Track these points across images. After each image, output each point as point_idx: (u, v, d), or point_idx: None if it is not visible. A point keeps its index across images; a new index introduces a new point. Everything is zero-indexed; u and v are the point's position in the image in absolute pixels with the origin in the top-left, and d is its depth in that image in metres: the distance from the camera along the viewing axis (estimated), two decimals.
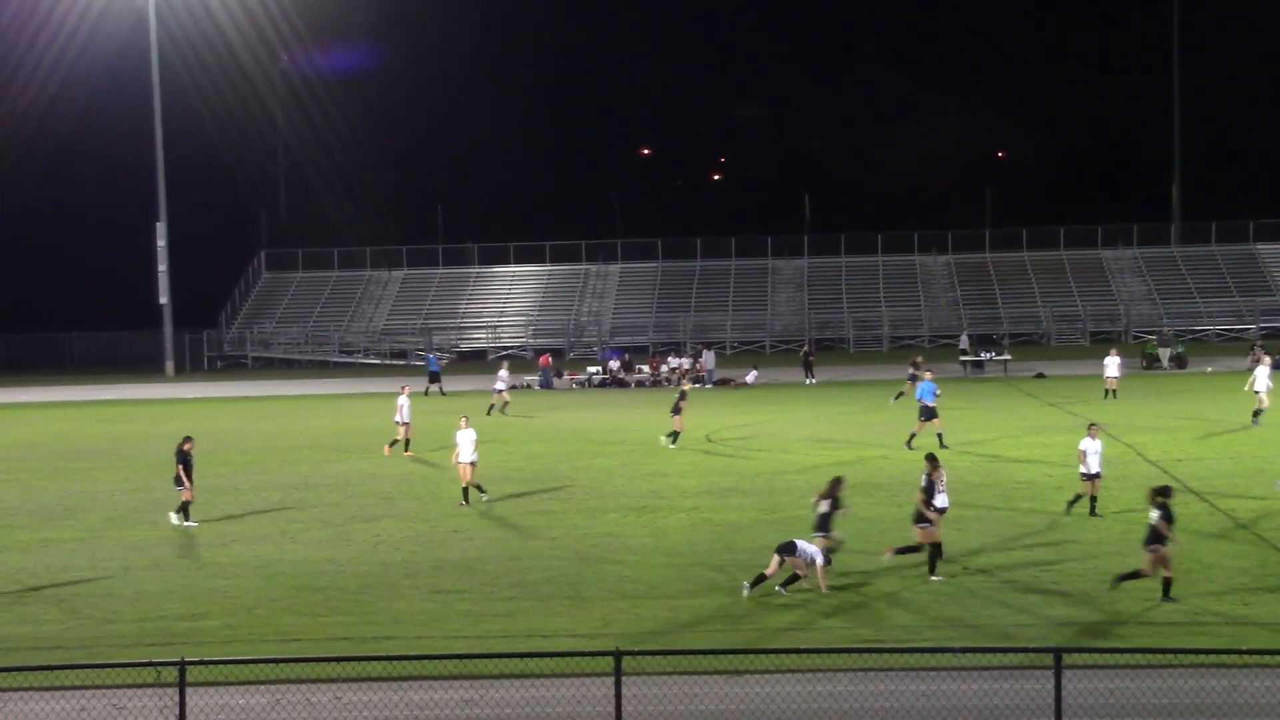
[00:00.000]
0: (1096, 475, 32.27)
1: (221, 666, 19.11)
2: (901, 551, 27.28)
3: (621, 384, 79.05)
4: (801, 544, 25.57)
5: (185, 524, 34.20)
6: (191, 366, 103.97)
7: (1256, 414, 49.10)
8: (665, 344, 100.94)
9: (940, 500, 28.15)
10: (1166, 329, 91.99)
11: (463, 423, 37.09)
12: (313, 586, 27.21)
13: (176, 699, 16.46)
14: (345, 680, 20.25)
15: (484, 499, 36.72)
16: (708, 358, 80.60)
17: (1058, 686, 16.13)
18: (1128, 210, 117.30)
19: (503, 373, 64.72)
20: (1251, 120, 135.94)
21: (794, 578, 25.48)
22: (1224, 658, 19.56)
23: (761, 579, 25.36)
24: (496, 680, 20.29)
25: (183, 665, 16.48)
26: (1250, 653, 19.44)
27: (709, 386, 76.90)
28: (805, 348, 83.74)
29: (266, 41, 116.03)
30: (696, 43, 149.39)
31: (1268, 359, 56.45)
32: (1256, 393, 49.92)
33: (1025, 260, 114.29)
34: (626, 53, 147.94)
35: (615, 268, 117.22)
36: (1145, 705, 18.54)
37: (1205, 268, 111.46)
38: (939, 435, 44.68)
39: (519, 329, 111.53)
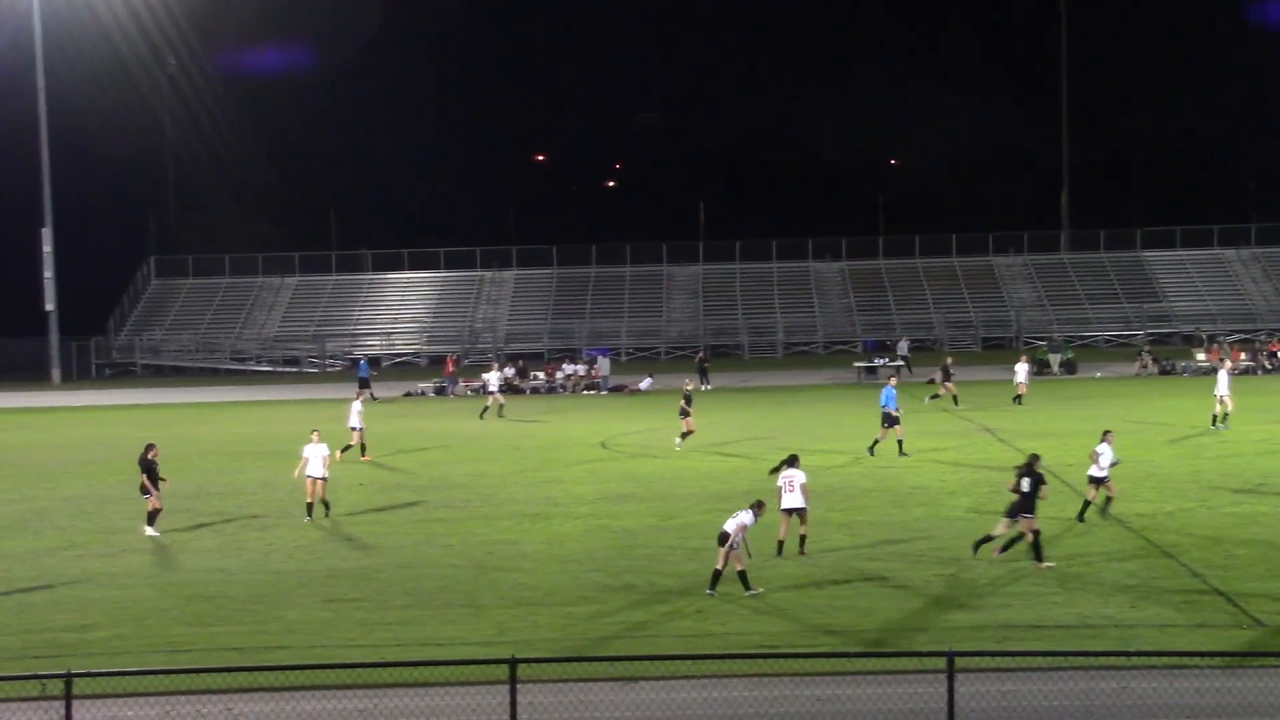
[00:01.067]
0: (1104, 479, 32.46)
1: (109, 678, 18.79)
2: (1005, 549, 28.01)
3: (517, 391, 78.80)
4: (730, 523, 25.62)
5: (150, 533, 33.44)
6: (79, 374, 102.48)
7: (1223, 418, 49.68)
8: (560, 350, 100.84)
9: (791, 499, 28.78)
10: (1057, 335, 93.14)
11: (314, 437, 35.75)
12: (203, 596, 26.86)
13: (63, 712, 16.18)
14: (236, 691, 19.96)
15: (326, 515, 35.32)
16: (603, 364, 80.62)
17: (950, 690, 16.22)
18: (1018, 218, 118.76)
19: (493, 374, 65.25)
20: (1139, 131, 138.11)
21: (719, 574, 25.60)
22: (1113, 660, 19.77)
23: (719, 575, 25.63)
24: (390, 689, 20.09)
25: (69, 677, 16.20)
26: (1138, 654, 19.66)
27: (604, 393, 76.95)
28: (700, 354, 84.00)
29: (154, 46, 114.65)
30: (592, 48, 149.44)
31: (1227, 363, 57.53)
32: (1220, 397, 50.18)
33: (918, 267, 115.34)
34: (521, 58, 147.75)
35: (510, 274, 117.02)
36: (1036, 707, 18.70)
37: (1094, 275, 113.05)
38: (896, 443, 44.55)
39: (414, 335, 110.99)
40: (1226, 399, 49.78)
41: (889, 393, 45.52)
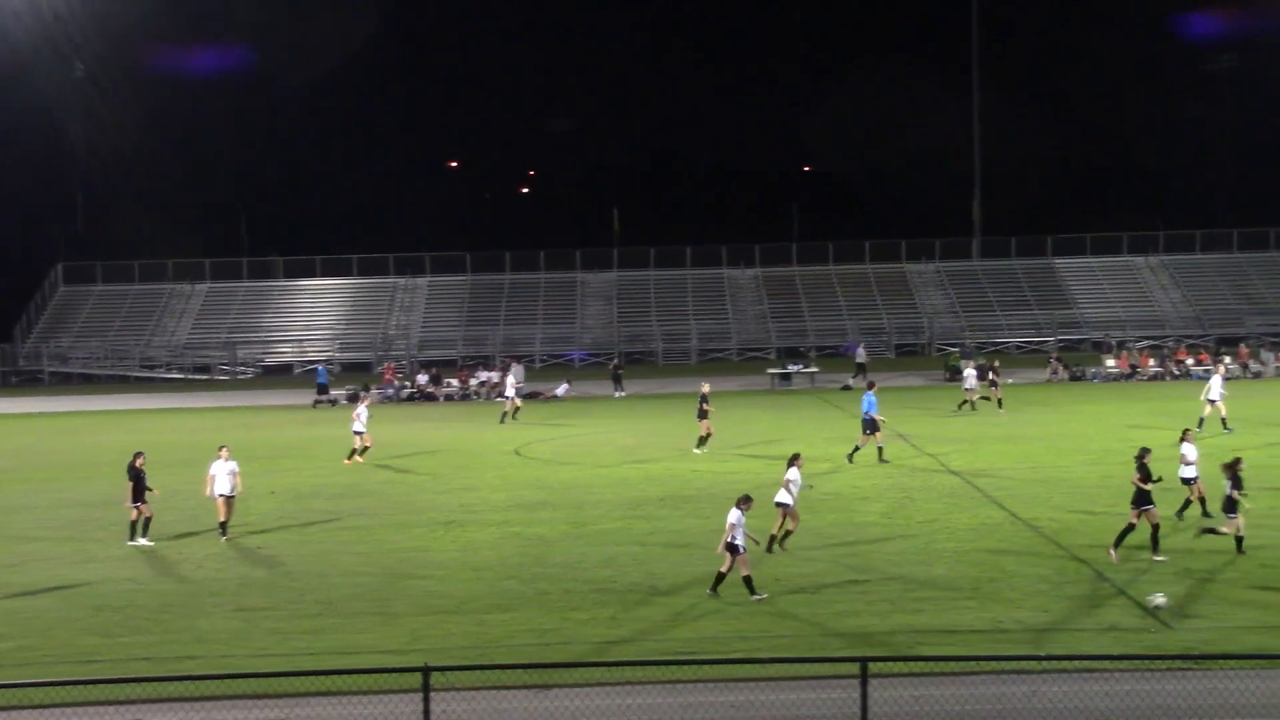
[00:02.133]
0: (1194, 479, 32.42)
1: (15, 690, 18.52)
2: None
3: (430, 398, 78.50)
4: (737, 532, 25.67)
5: (143, 543, 32.94)
6: None
7: (1199, 423, 49.60)
8: (474, 357, 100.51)
9: (780, 495, 29.56)
10: (968, 341, 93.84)
11: (223, 454, 34.45)
12: (112, 606, 26.54)
13: None
14: (146, 701, 19.76)
15: (222, 537, 33.78)
16: (516, 371, 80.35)
17: (864, 695, 16.27)
18: (931, 225, 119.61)
19: (511, 378, 65.20)
20: (1050, 138, 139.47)
21: (721, 577, 25.83)
22: (1024, 664, 19.93)
23: (721, 578, 25.92)
24: (303, 698, 19.96)
25: None
26: (1049, 659, 19.83)
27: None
28: (615, 361, 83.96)
29: (61, 49, 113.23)
30: (504, 54, 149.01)
31: (1221, 368, 57.85)
32: (1212, 401, 50.11)
33: (831, 273, 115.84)
34: (434, 63, 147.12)
35: (424, 281, 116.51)
36: (949, 712, 18.83)
37: (1005, 281, 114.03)
38: (865, 450, 44.26)
39: (326, 343, 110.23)
40: (1220, 404, 49.96)
41: (870, 399, 45.39)
